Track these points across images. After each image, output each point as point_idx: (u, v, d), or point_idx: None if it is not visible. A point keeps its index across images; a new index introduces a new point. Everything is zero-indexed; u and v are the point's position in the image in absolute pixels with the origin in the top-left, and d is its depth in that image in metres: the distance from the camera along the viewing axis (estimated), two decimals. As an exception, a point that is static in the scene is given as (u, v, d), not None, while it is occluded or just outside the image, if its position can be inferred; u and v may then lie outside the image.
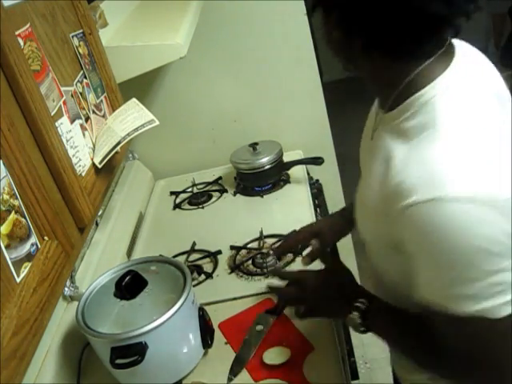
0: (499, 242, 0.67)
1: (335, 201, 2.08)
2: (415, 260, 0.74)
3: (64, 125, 1.00)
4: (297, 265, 1.39)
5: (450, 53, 0.78)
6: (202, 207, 1.79)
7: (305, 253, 1.17)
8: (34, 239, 0.83)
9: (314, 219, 1.57)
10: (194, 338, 1.13)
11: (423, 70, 0.76)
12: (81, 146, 1.06)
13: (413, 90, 0.76)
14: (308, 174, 1.85)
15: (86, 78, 1.16)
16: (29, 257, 0.81)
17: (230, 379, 1.11)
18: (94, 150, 1.13)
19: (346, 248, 2.10)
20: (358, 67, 0.82)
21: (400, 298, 0.86)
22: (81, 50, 1.16)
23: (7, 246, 0.75)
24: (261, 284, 1.36)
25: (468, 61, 0.80)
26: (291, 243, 1.30)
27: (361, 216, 0.89)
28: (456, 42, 0.82)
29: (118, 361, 1.01)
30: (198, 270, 1.46)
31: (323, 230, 1.23)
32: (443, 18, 0.71)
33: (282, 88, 1.94)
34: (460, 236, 0.67)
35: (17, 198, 0.80)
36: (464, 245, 0.67)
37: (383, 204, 0.75)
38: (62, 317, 1.22)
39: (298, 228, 1.50)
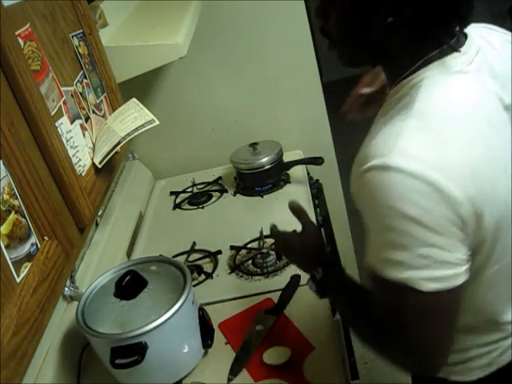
0: (434, 218, 0.71)
1: (335, 201, 2.08)
2: (366, 224, 0.78)
3: (64, 125, 1.00)
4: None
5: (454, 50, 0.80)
6: (202, 207, 1.79)
7: None
8: (33, 239, 0.83)
9: (314, 219, 1.57)
10: (194, 338, 1.13)
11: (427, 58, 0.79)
12: (81, 146, 1.06)
13: (404, 73, 0.80)
14: (308, 173, 1.85)
15: (86, 78, 1.16)
16: (29, 257, 0.81)
17: (229, 379, 1.11)
18: (93, 150, 1.13)
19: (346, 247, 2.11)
20: (368, 48, 0.82)
21: None
22: (81, 50, 1.16)
23: (7, 246, 0.75)
24: (261, 284, 1.36)
25: (476, 60, 0.81)
26: None
27: None
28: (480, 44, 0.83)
29: (118, 361, 1.01)
30: (198, 270, 1.46)
31: None
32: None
33: (282, 88, 1.94)
34: (398, 202, 0.71)
35: (17, 198, 0.80)
36: (400, 212, 0.71)
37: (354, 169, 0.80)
38: (62, 317, 1.21)
39: (297, 228, 1.50)
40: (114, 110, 1.25)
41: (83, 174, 1.04)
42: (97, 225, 1.56)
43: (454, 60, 0.79)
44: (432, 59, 0.79)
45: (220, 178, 1.93)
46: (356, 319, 0.91)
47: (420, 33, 0.77)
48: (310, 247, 1.04)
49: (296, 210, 1.11)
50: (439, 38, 0.78)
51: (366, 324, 0.87)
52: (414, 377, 1.08)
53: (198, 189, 1.89)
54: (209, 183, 1.92)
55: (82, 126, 1.09)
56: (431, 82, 0.78)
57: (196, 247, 1.57)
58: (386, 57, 0.83)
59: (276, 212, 1.68)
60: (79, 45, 1.16)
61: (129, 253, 1.59)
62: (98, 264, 1.41)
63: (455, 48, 0.78)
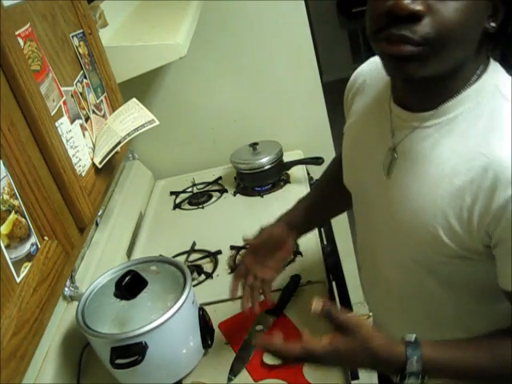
0: None
1: (335, 201, 2.07)
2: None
3: (64, 125, 1.00)
4: (297, 264, 1.39)
5: None
6: (202, 207, 1.79)
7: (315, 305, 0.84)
8: (33, 239, 0.83)
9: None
10: (193, 338, 1.13)
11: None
12: (81, 146, 1.06)
13: (469, 81, 0.78)
14: (308, 173, 1.85)
15: (86, 78, 1.16)
16: (29, 257, 0.81)
17: (229, 379, 1.11)
18: (93, 150, 1.13)
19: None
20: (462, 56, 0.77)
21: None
22: (81, 50, 1.16)
23: (7, 246, 0.75)
24: (261, 284, 1.36)
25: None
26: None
27: (400, 235, 0.86)
28: None
29: (118, 361, 1.02)
30: (198, 270, 1.46)
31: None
32: None
33: (282, 88, 1.94)
34: None
35: (17, 198, 0.80)
36: None
37: (469, 204, 0.75)
38: (62, 317, 1.22)
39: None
40: (114, 110, 1.25)
41: (83, 174, 1.04)
42: (97, 225, 1.56)
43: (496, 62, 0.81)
44: (487, 64, 0.79)
45: (220, 178, 1.93)
46: (497, 370, 0.78)
47: (496, 39, 0.77)
48: (379, 350, 0.77)
49: (326, 314, 0.82)
50: (496, 43, 0.78)
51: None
52: None
53: (198, 189, 1.89)
54: (209, 183, 1.92)
55: (81, 126, 1.09)
56: (505, 83, 0.78)
57: (196, 247, 1.57)
58: (463, 63, 0.77)
59: (276, 212, 1.67)
60: (79, 45, 1.16)
61: (129, 253, 1.59)
62: (98, 264, 1.41)
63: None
